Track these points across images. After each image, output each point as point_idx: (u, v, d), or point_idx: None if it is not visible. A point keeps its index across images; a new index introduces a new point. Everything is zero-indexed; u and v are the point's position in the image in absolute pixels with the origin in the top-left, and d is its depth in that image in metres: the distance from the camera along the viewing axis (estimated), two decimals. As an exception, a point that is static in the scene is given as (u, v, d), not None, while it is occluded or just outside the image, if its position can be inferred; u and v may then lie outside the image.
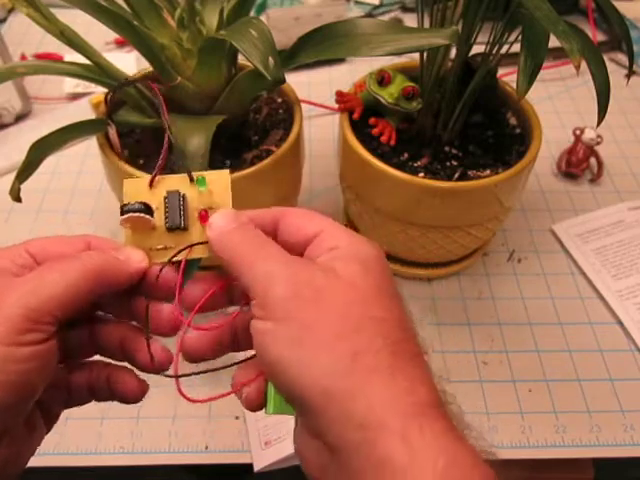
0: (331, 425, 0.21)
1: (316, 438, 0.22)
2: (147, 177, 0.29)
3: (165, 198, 0.29)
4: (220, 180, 0.29)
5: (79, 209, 0.63)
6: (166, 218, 0.28)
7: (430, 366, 0.23)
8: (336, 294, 0.23)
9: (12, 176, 0.40)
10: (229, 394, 0.27)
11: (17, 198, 0.41)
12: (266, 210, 0.28)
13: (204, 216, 0.28)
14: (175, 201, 0.28)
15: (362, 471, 0.20)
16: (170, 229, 0.28)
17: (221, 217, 0.27)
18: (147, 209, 0.28)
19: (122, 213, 0.28)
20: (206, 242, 0.28)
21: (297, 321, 0.22)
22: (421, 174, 0.48)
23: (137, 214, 0.28)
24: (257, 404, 0.26)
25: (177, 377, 0.27)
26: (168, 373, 0.28)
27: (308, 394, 0.21)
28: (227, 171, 0.30)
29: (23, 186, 0.42)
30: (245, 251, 0.25)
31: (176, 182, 0.29)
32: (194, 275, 0.29)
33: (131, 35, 0.42)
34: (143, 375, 0.29)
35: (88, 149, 0.69)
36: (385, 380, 0.21)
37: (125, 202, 0.28)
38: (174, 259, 0.28)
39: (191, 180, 0.29)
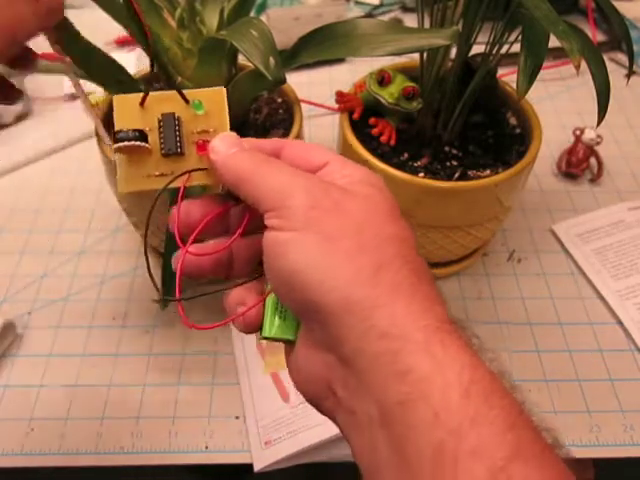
0: (350, 334, 0.21)
1: (328, 352, 0.23)
2: (138, 95, 0.27)
3: (159, 121, 0.27)
4: (215, 98, 0.28)
5: (79, 209, 0.63)
6: (161, 143, 0.27)
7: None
8: (355, 208, 0.24)
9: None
10: (232, 320, 0.27)
11: None
12: (266, 140, 0.27)
13: (202, 146, 0.27)
14: (170, 125, 0.27)
15: (383, 381, 0.20)
16: (166, 155, 0.27)
17: (223, 141, 0.27)
18: (142, 136, 0.27)
19: (116, 141, 0.26)
20: (205, 169, 0.27)
21: (320, 230, 0.23)
22: (421, 174, 0.48)
23: (132, 142, 0.26)
24: (255, 325, 0.26)
25: (179, 300, 0.26)
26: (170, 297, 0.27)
27: (331, 301, 0.21)
28: (223, 88, 0.28)
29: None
30: (255, 168, 0.25)
31: (169, 101, 0.28)
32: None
33: (138, 32, 0.42)
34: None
35: (88, 149, 0.69)
36: (407, 295, 0.22)
37: (118, 127, 0.27)
38: (171, 185, 0.27)
39: (185, 101, 0.28)
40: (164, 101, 0.28)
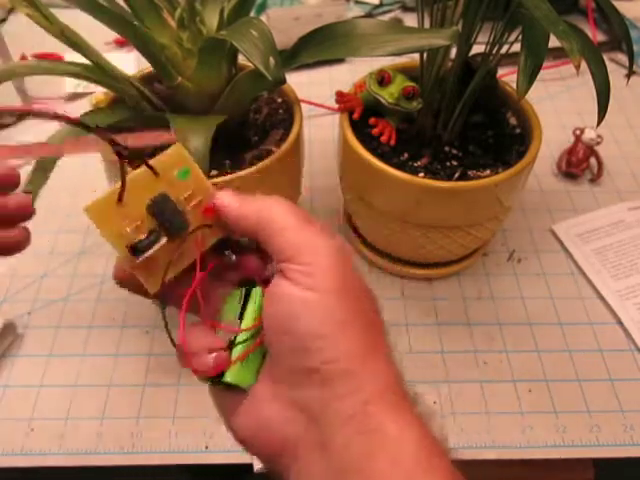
0: (337, 397, 0.23)
1: (296, 409, 0.24)
2: (109, 193, 0.25)
3: (150, 206, 0.26)
4: (179, 157, 0.27)
5: (79, 209, 0.63)
6: (166, 227, 0.26)
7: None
8: (364, 289, 0.26)
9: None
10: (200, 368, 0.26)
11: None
12: (250, 212, 0.27)
13: (209, 209, 0.27)
14: (168, 207, 0.26)
15: (350, 439, 0.23)
16: (173, 236, 0.26)
17: (229, 195, 0.27)
18: (156, 234, 0.25)
19: (135, 254, 0.25)
20: (210, 225, 0.27)
21: (343, 299, 0.24)
22: (421, 174, 0.48)
23: (154, 248, 0.25)
24: (220, 368, 0.26)
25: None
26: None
27: (331, 369, 0.23)
28: (179, 145, 0.27)
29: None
30: (276, 219, 0.25)
31: (142, 182, 0.26)
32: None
33: (131, 35, 0.42)
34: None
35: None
36: (387, 367, 0.25)
37: (116, 241, 0.25)
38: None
39: (154, 172, 0.26)
40: (136, 184, 0.26)
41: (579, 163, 0.67)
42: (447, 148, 0.51)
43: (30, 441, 0.46)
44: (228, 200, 0.27)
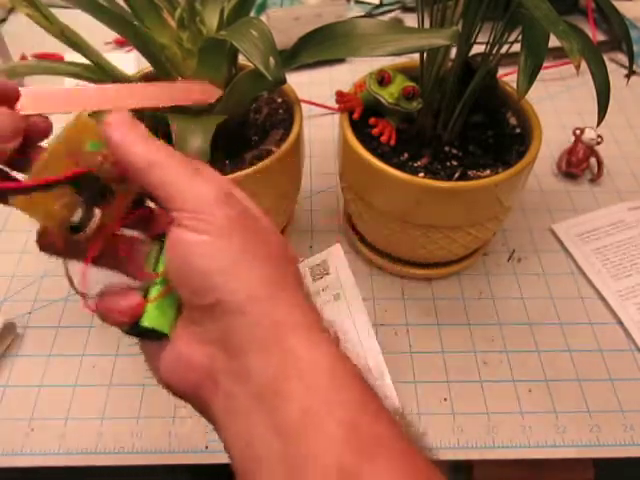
0: (247, 327, 0.24)
1: (213, 344, 0.25)
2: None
3: (71, 183, 0.26)
4: (85, 127, 0.27)
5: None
6: (91, 199, 0.27)
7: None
8: (264, 225, 0.27)
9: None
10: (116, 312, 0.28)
11: None
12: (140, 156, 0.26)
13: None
14: (87, 178, 0.26)
15: (266, 362, 0.24)
16: (100, 204, 0.27)
17: (121, 131, 0.26)
18: (86, 210, 0.26)
19: (75, 231, 0.27)
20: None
21: (237, 240, 0.25)
22: (421, 174, 0.48)
23: (90, 226, 0.27)
24: (134, 312, 0.27)
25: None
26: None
27: (236, 300, 0.24)
28: (80, 115, 0.27)
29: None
30: (174, 161, 0.26)
31: (57, 161, 0.26)
32: None
33: (131, 35, 0.42)
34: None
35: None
36: (298, 299, 0.26)
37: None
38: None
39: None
40: (53, 164, 0.26)
41: (579, 163, 0.67)
42: (447, 148, 0.51)
43: (30, 441, 0.46)
44: (123, 134, 0.26)
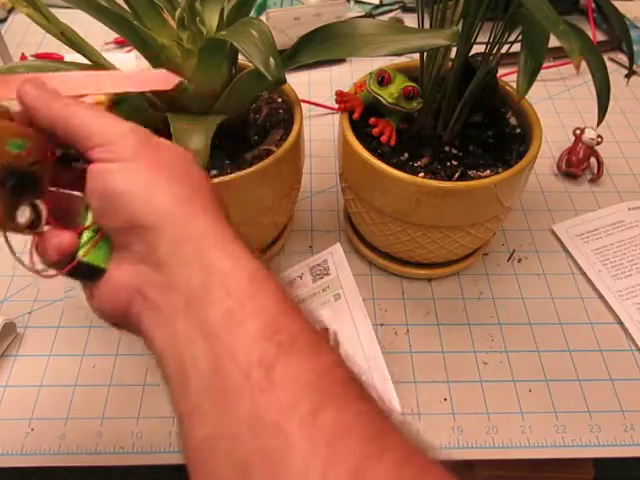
0: (167, 241, 0.26)
1: (141, 263, 0.27)
2: None
3: (2, 183, 0.28)
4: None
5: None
6: (24, 192, 0.29)
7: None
8: (170, 150, 0.30)
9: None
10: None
11: None
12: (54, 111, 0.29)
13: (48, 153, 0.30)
14: (15, 176, 0.28)
15: (189, 274, 0.26)
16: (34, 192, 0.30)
17: (34, 83, 0.29)
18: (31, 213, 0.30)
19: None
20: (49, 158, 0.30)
21: (146, 162, 0.28)
22: (421, 174, 0.48)
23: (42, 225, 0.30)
24: (70, 253, 0.29)
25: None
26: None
27: (154, 216, 0.27)
28: None
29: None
30: (79, 108, 0.29)
31: None
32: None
33: (131, 35, 0.42)
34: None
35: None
36: (213, 215, 0.28)
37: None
38: None
39: None
40: None
41: (579, 163, 0.67)
42: (447, 148, 0.51)
43: (30, 441, 0.46)
44: (31, 98, 0.29)
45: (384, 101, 0.48)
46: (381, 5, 0.94)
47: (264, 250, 0.56)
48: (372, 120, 0.50)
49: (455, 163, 0.50)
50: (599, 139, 0.67)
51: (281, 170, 0.48)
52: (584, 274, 0.58)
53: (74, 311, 0.54)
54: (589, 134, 0.67)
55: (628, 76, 0.48)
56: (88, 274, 0.29)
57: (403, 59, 0.56)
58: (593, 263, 0.59)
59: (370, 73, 0.50)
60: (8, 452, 0.45)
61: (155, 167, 0.28)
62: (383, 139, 0.49)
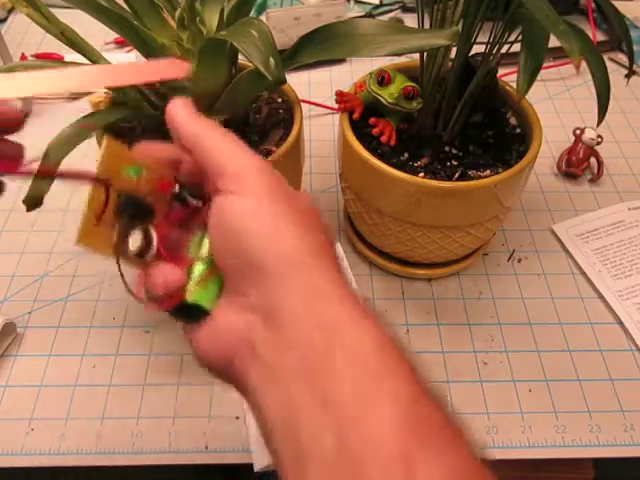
0: (285, 292, 0.24)
1: (252, 312, 0.25)
2: (86, 219, 0.27)
3: (118, 211, 0.27)
4: (116, 153, 0.28)
5: (79, 209, 0.63)
6: (137, 221, 0.28)
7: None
8: (301, 196, 0.28)
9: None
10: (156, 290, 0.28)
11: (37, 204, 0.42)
12: (192, 132, 0.28)
13: (164, 185, 0.29)
14: (131, 203, 0.28)
15: (309, 334, 0.23)
16: (145, 222, 0.28)
17: (183, 106, 0.29)
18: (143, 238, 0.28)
19: (141, 257, 0.28)
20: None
21: (277, 204, 0.26)
22: (421, 174, 0.48)
23: (151, 253, 0.28)
24: (176, 289, 0.27)
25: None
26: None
27: (277, 263, 0.24)
28: (108, 142, 0.28)
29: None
30: (219, 134, 0.28)
31: (100, 193, 0.27)
32: None
33: (131, 35, 0.42)
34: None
35: (88, 149, 0.69)
36: (339, 274, 0.26)
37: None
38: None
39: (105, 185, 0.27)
40: (98, 196, 0.28)
41: (579, 163, 0.67)
42: (447, 148, 0.51)
43: (30, 441, 0.46)
44: (179, 113, 0.29)
45: (384, 101, 0.48)
46: (381, 5, 0.94)
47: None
48: (372, 120, 0.50)
49: (455, 163, 0.50)
50: (599, 139, 0.67)
51: (281, 170, 0.48)
52: (584, 274, 0.58)
53: (74, 311, 0.54)
54: (589, 134, 0.67)
55: (628, 76, 0.48)
56: (191, 314, 0.27)
57: (403, 59, 0.56)
58: (593, 263, 0.59)
59: (370, 73, 0.50)
60: (8, 452, 0.45)
61: (287, 209, 0.26)
62: (383, 139, 0.49)
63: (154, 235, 0.28)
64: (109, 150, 0.28)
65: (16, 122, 0.27)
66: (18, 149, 0.28)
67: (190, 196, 0.30)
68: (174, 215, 0.30)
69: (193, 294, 0.27)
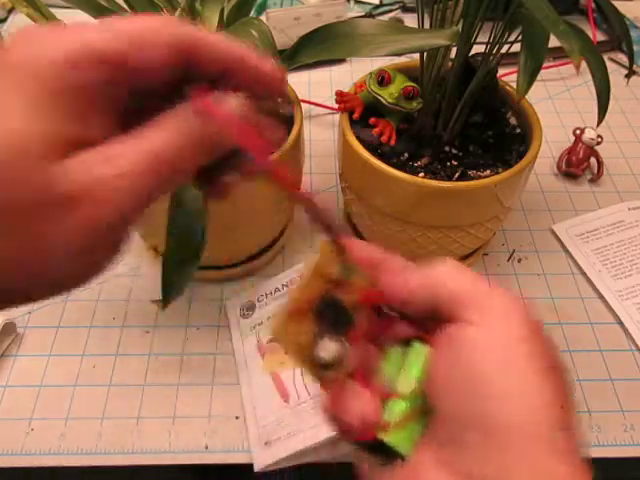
0: (518, 467, 0.20)
1: (463, 476, 0.21)
2: (287, 311, 0.25)
3: (317, 311, 0.25)
4: (328, 254, 0.25)
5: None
6: (333, 329, 0.25)
7: None
8: (555, 356, 0.22)
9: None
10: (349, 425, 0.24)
11: None
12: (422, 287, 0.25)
13: (371, 296, 0.25)
14: (333, 307, 0.25)
15: None
16: (340, 334, 0.25)
17: (395, 279, 0.25)
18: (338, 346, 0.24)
19: (326, 369, 0.24)
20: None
21: (531, 358, 0.21)
22: (421, 174, 0.48)
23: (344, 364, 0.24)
24: (368, 423, 0.23)
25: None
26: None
27: (515, 422, 0.20)
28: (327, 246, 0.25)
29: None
30: (449, 284, 0.24)
31: (308, 288, 0.25)
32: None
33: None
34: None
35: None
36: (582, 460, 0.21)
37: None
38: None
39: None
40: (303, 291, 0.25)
41: (579, 163, 0.67)
42: (447, 148, 0.51)
43: (30, 441, 0.46)
44: (394, 283, 0.25)
45: (384, 101, 0.48)
46: (381, 5, 0.94)
47: (264, 250, 0.56)
48: (372, 120, 0.50)
49: (455, 163, 0.50)
50: (599, 139, 0.67)
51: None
52: (584, 274, 0.58)
53: (74, 311, 0.54)
54: (589, 134, 0.67)
55: (628, 76, 0.48)
56: (383, 454, 0.23)
57: (403, 59, 0.56)
58: (593, 263, 0.59)
59: (370, 73, 0.50)
60: (8, 452, 0.45)
61: (538, 368, 0.21)
62: (383, 139, 0.49)
63: (350, 350, 0.24)
64: (324, 249, 0.26)
65: (279, 81, 0.23)
66: (277, 133, 0.23)
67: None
68: (369, 329, 0.26)
69: (391, 435, 0.23)
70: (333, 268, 0.25)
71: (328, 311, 0.25)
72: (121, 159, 0.18)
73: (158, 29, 0.19)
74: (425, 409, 0.23)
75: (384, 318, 0.26)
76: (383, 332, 0.26)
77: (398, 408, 0.23)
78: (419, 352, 0.25)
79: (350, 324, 0.25)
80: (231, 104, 0.20)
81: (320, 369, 0.24)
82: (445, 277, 0.24)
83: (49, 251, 0.17)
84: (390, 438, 0.23)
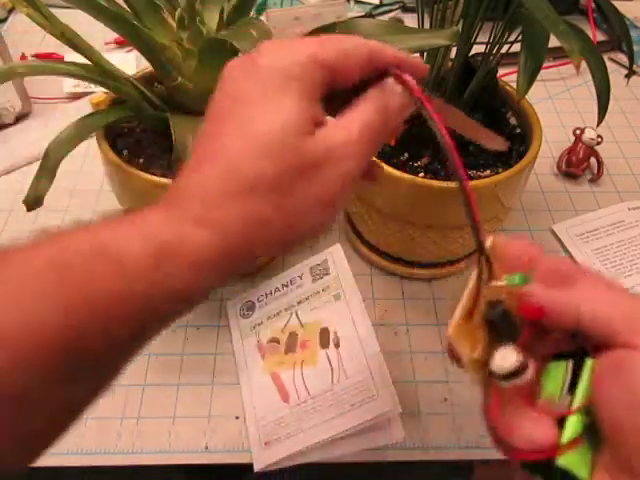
0: None
1: None
2: (463, 311, 0.25)
3: (489, 319, 0.25)
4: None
5: (79, 209, 0.63)
6: (504, 338, 0.24)
7: None
8: None
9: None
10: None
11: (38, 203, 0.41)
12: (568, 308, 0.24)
13: (533, 310, 0.24)
14: (503, 315, 0.24)
15: None
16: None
17: (544, 295, 0.25)
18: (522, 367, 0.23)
19: (507, 379, 0.23)
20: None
21: None
22: (421, 174, 0.48)
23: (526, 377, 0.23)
24: (551, 452, 0.23)
25: None
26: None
27: None
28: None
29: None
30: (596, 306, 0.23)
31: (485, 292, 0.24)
32: None
33: (131, 35, 0.42)
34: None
35: (88, 149, 0.69)
36: None
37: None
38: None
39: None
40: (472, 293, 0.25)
41: (579, 163, 0.67)
42: (447, 148, 0.51)
43: (30, 441, 0.46)
44: (544, 300, 0.25)
45: (384, 101, 0.48)
46: (381, 5, 0.94)
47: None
48: (372, 120, 0.50)
49: (455, 163, 0.50)
50: (599, 139, 0.67)
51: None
52: (584, 274, 0.58)
53: (74, 311, 0.54)
54: (589, 134, 0.67)
55: (628, 76, 0.48)
56: (553, 477, 0.22)
57: (403, 59, 0.56)
58: (593, 263, 0.58)
59: (370, 73, 0.50)
60: (8, 452, 0.45)
61: None
62: (383, 139, 0.49)
63: (530, 362, 0.23)
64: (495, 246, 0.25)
65: (425, 70, 0.30)
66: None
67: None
68: (529, 340, 0.25)
69: (566, 457, 0.22)
70: (499, 274, 0.25)
71: (501, 318, 0.24)
72: (348, 130, 0.26)
73: (357, 45, 0.27)
74: (593, 429, 0.22)
75: (540, 328, 0.25)
76: (541, 344, 0.26)
77: (570, 428, 0.22)
78: (589, 368, 0.23)
79: (519, 334, 0.24)
80: (413, 80, 0.28)
81: (498, 379, 0.23)
82: (601, 299, 0.23)
83: (310, 204, 0.25)
84: (564, 460, 0.22)
